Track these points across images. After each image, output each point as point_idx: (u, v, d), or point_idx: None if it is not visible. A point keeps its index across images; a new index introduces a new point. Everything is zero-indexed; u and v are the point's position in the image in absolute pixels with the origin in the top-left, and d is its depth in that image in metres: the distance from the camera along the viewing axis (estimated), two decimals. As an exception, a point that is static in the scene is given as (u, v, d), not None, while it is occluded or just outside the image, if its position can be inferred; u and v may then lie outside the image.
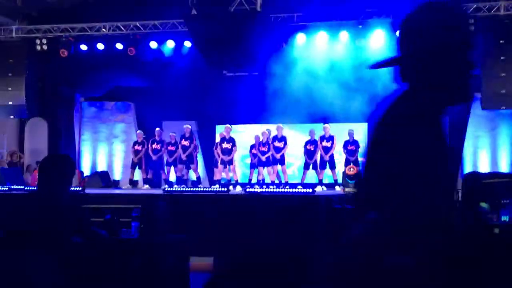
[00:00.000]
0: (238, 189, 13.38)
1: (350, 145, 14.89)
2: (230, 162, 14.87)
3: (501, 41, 13.84)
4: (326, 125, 14.85)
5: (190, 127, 15.52)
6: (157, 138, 15.46)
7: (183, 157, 15.14)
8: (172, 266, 5.35)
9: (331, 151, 14.63)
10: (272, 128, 15.07)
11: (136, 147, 15.74)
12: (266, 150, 14.69)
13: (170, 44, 15.94)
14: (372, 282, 2.02)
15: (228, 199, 10.84)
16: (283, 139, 14.68)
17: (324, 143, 14.68)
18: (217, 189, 12.20)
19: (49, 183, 4.26)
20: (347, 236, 2.17)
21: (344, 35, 14.99)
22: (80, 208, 4.48)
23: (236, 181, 15.00)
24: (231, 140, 14.83)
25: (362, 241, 2.13)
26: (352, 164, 14.26)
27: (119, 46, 16.01)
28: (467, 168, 15.29)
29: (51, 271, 4.04)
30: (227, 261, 3.71)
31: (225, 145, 14.73)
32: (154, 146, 15.39)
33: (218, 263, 3.87)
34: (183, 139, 15.20)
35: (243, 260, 3.41)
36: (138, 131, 16.21)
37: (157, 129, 15.60)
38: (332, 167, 14.73)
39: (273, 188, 12.84)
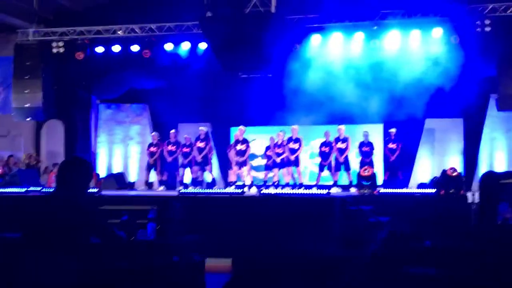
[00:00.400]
0: (253, 190, 13.41)
1: (365, 147, 14.93)
2: (244, 163, 14.94)
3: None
4: (340, 126, 14.87)
5: (205, 129, 15.62)
6: (172, 140, 15.56)
7: (198, 159, 15.23)
8: (188, 266, 5.38)
9: (346, 153, 14.68)
10: (287, 130, 15.13)
11: (151, 149, 15.85)
12: (281, 151, 14.72)
13: (185, 46, 16.01)
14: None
15: (243, 201, 10.89)
16: (298, 140, 14.73)
17: (339, 145, 14.71)
18: (232, 191, 12.25)
19: (67, 185, 4.31)
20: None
21: (359, 36, 14.97)
22: (98, 210, 4.53)
23: (252, 182, 15.03)
24: (245, 141, 14.90)
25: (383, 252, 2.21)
26: (367, 165, 14.23)
27: (135, 48, 16.11)
28: (483, 171, 15.20)
29: (69, 272, 4.10)
30: (245, 263, 3.76)
31: (239, 147, 14.80)
32: (169, 147, 15.49)
33: (237, 265, 3.91)
34: (198, 141, 15.30)
35: (261, 262, 3.45)
36: (153, 133, 16.32)
37: (172, 131, 15.70)
38: (347, 168, 14.75)
39: (288, 190, 12.88)
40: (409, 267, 2.22)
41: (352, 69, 15.02)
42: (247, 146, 14.86)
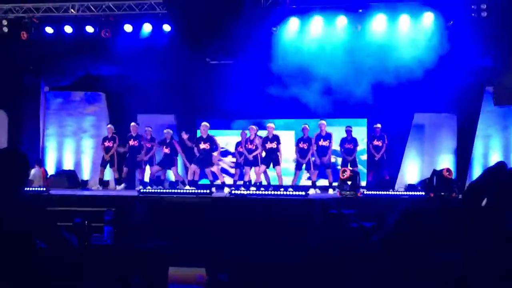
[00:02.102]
0: (226, 191, 13.29)
1: (348, 144, 14.86)
2: (210, 163, 14.83)
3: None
4: (322, 121, 14.76)
5: (171, 132, 15.44)
6: (133, 134, 15.35)
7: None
8: (149, 276, 5.22)
9: (329, 151, 14.62)
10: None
11: (106, 143, 15.60)
12: (254, 148, 14.59)
13: (147, 27, 15.78)
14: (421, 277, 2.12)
15: (211, 203, 10.74)
16: (275, 138, 14.56)
17: (321, 142, 14.63)
18: (199, 191, 12.07)
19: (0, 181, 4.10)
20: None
21: (341, 20, 14.89)
22: (44, 210, 4.33)
23: (223, 182, 14.91)
24: (209, 139, 14.75)
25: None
26: (346, 166, 14.16)
27: (90, 29, 15.83)
28: (476, 172, 15.27)
29: (13, 282, 3.92)
30: (219, 272, 3.64)
31: (202, 146, 14.67)
32: (130, 142, 15.30)
33: (212, 275, 3.79)
34: (164, 146, 15.21)
35: (236, 271, 3.34)
36: (109, 125, 16.05)
37: (133, 124, 15.49)
38: (328, 167, 14.70)
39: (262, 191, 12.74)
40: (434, 252, 2.18)
41: (333, 57, 14.91)
42: (212, 145, 14.73)
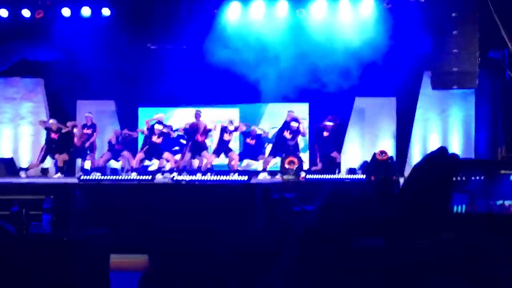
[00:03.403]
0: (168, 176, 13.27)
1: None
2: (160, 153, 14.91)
3: (453, 14, 14.06)
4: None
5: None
6: (88, 123, 15.26)
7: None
8: (90, 264, 5.18)
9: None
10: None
11: (85, 130, 15.52)
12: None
13: (85, 11, 15.50)
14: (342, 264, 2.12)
15: (152, 189, 10.69)
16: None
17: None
18: (141, 178, 12.00)
19: None
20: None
21: (283, 4, 14.95)
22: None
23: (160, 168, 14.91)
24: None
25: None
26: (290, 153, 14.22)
27: (26, 12, 15.45)
28: (415, 155, 15.58)
29: None
30: (161, 258, 3.64)
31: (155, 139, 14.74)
32: (85, 131, 15.20)
33: (153, 261, 3.79)
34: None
35: (179, 256, 3.35)
36: (51, 121, 15.73)
37: (88, 114, 15.38)
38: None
39: (207, 176, 12.73)
40: (356, 239, 2.22)
41: (274, 42, 14.96)
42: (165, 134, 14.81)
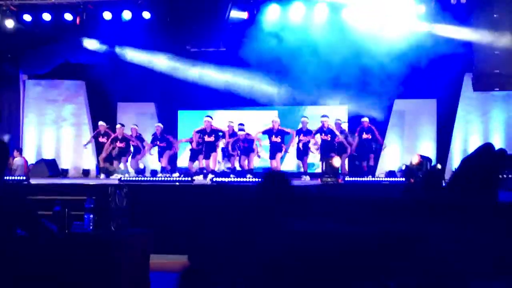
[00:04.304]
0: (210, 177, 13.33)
1: (324, 135, 14.82)
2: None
3: (495, 15, 13.87)
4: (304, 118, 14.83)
5: (161, 126, 15.44)
6: (119, 136, 15.40)
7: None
8: (131, 264, 5.25)
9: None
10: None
11: (100, 139, 15.65)
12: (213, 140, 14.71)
13: (126, 15, 15.67)
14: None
15: (192, 190, 10.78)
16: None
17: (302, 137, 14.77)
18: (180, 179, 12.08)
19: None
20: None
21: (322, 6, 14.88)
22: (24, 198, 4.34)
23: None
24: (213, 132, 14.79)
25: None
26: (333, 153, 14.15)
27: (68, 17, 15.69)
28: (456, 157, 15.40)
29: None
30: (202, 258, 3.70)
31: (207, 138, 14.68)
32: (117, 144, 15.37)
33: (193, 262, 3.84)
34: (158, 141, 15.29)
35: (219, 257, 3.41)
36: (100, 122, 15.90)
37: (118, 126, 15.45)
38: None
39: (242, 178, 12.75)
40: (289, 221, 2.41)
41: (314, 44, 14.89)
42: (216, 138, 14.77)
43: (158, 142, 15.28)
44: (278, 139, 14.63)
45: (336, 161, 12.71)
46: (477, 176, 2.67)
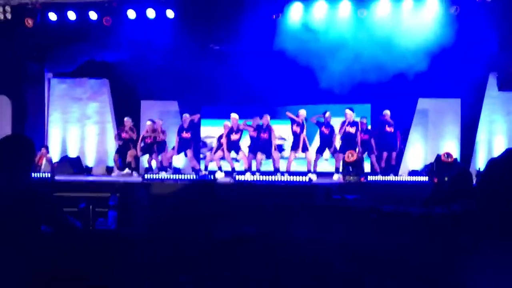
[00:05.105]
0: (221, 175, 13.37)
1: (349, 126, 14.72)
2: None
3: (521, 14, 13.77)
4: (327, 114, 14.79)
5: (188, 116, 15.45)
6: (150, 133, 15.48)
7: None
8: (154, 262, 5.28)
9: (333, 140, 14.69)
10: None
11: (123, 134, 15.82)
12: (238, 138, 14.60)
13: (150, 13, 15.75)
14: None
15: (214, 188, 10.83)
16: (268, 129, 14.52)
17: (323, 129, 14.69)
18: (202, 178, 12.15)
19: (6, 167, 4.14)
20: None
21: (345, 4, 14.87)
22: (49, 195, 4.40)
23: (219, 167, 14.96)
24: (239, 130, 14.78)
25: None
26: (351, 149, 14.08)
27: (93, 15, 15.82)
28: (480, 157, 15.30)
29: (16, 265, 3.99)
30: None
31: (234, 136, 14.66)
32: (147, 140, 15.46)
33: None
34: (184, 131, 15.25)
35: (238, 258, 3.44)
36: (126, 118, 16.02)
37: (148, 123, 15.58)
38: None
39: (268, 177, 12.77)
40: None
41: (337, 42, 14.87)
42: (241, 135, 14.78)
43: (184, 133, 15.25)
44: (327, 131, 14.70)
45: (351, 156, 12.70)
46: (504, 182, 2.66)
